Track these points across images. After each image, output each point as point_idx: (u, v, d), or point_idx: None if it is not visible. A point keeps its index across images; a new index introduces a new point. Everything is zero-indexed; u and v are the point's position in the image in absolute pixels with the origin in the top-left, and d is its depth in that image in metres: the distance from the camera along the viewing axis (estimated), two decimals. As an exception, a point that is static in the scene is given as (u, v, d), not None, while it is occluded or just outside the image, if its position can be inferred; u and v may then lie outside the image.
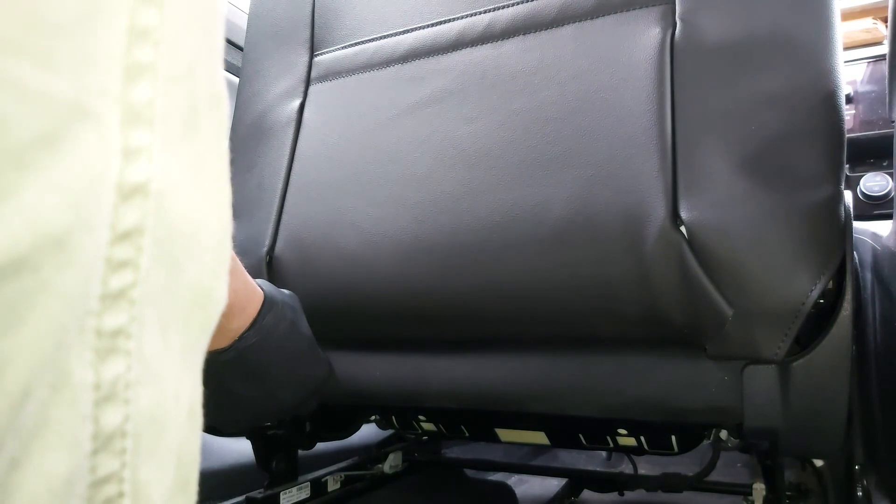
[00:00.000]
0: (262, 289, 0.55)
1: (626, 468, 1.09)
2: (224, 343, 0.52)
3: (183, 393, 0.24)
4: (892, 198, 0.92)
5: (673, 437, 0.73)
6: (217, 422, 0.62)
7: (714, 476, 0.90)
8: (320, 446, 0.88)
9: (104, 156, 0.18)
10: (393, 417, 0.89)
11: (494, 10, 0.63)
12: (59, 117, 0.17)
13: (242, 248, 0.69)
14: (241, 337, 0.52)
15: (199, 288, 0.23)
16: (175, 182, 0.21)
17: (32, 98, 0.17)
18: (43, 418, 0.18)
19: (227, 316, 0.49)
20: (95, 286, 0.19)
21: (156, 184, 0.20)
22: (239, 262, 0.50)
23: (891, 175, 0.94)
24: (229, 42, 1.08)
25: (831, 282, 0.51)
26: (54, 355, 0.18)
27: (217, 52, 0.24)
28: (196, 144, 0.22)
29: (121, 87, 0.19)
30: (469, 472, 1.21)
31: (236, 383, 0.55)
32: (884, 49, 1.00)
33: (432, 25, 0.66)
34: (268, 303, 0.54)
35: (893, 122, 0.72)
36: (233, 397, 0.56)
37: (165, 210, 0.20)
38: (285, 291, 0.61)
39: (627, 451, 0.83)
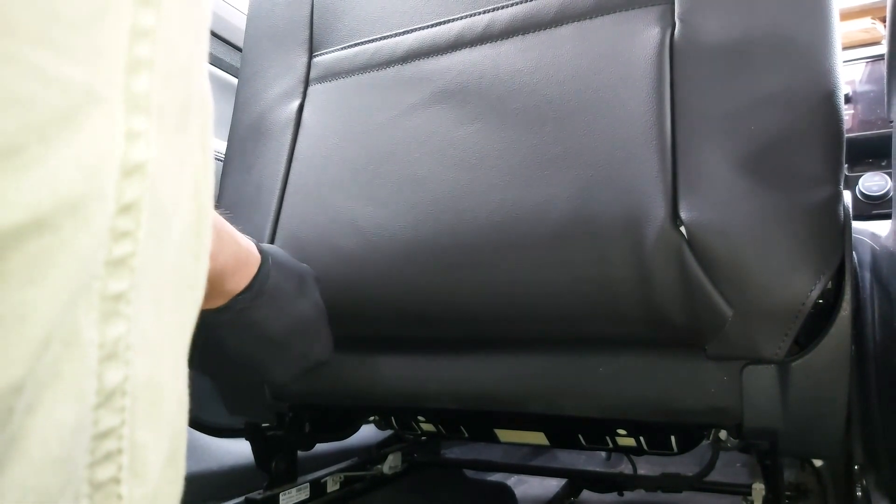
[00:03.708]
0: (263, 252, 0.55)
1: (626, 468, 1.09)
2: (219, 302, 0.53)
3: (179, 369, 0.26)
4: (891, 198, 0.92)
5: (672, 438, 0.73)
6: (221, 385, 0.63)
7: (713, 476, 0.90)
8: (320, 447, 0.88)
9: (111, 135, 0.21)
10: (392, 418, 0.89)
11: (493, 10, 0.63)
12: (75, 99, 0.20)
13: None
14: (236, 297, 0.53)
15: (181, 268, 0.26)
16: (165, 167, 0.23)
17: (54, 82, 0.19)
18: (56, 369, 0.20)
19: (219, 276, 0.51)
20: (102, 252, 0.21)
21: (151, 166, 0.22)
22: (232, 228, 0.51)
23: (889, 175, 0.94)
24: (229, 43, 1.08)
25: (830, 282, 0.51)
26: (68, 312, 0.20)
27: (205, 56, 0.27)
28: (186, 137, 0.25)
29: (124, 78, 0.21)
30: (468, 473, 1.21)
31: (230, 345, 0.55)
32: (882, 49, 1.01)
33: (431, 26, 0.66)
34: (266, 266, 0.54)
35: (892, 121, 0.72)
36: (227, 360, 0.57)
37: (156, 191, 0.23)
38: (302, 264, 0.61)
39: (627, 451, 0.83)
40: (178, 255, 0.25)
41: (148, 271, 0.23)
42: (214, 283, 0.51)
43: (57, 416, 0.20)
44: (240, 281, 0.53)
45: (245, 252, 0.54)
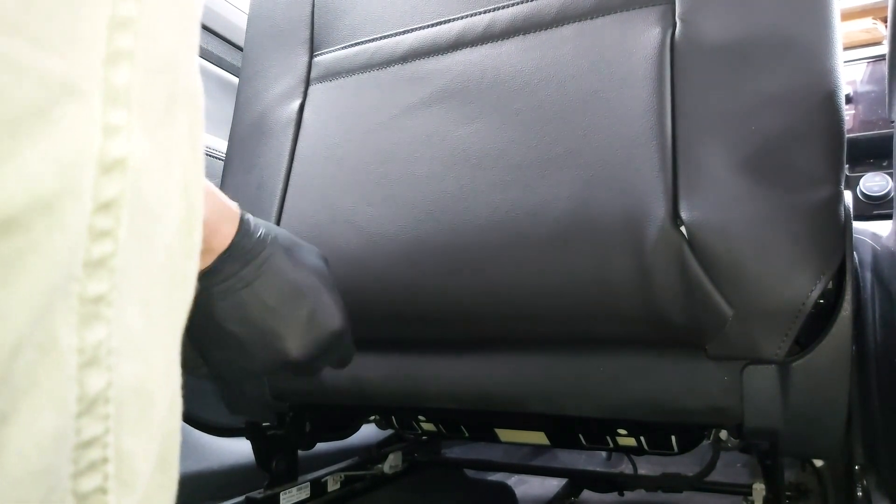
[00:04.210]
0: (247, 216, 0.52)
1: (626, 468, 1.09)
2: (206, 261, 0.49)
3: (170, 371, 0.25)
4: (892, 198, 0.92)
5: (673, 438, 0.73)
6: (219, 371, 0.58)
7: (714, 476, 0.90)
8: (320, 446, 0.88)
9: (88, 130, 0.20)
10: (393, 417, 0.89)
11: (494, 10, 0.63)
12: (50, 92, 0.19)
13: None
14: (221, 258, 0.49)
15: (171, 267, 0.24)
16: (149, 163, 0.22)
17: (27, 73, 0.18)
18: (32, 377, 0.19)
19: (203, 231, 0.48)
20: (79, 253, 0.20)
21: (133, 161, 0.21)
22: (212, 186, 0.48)
23: (890, 175, 0.94)
24: (229, 42, 1.08)
25: (831, 282, 0.51)
26: (42, 316, 0.19)
27: (194, 50, 0.26)
28: (171, 132, 0.24)
29: (103, 70, 0.20)
30: (469, 472, 1.21)
31: (230, 325, 0.51)
32: (883, 49, 1.01)
33: (432, 26, 0.66)
34: (246, 219, 0.51)
35: (893, 122, 0.72)
36: (230, 345, 0.53)
37: (139, 188, 0.22)
38: (303, 244, 0.58)
39: (627, 451, 0.83)
40: (167, 254, 0.24)
41: (132, 271, 0.22)
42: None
43: (35, 426, 0.19)
44: (224, 237, 0.49)
45: (227, 207, 0.50)
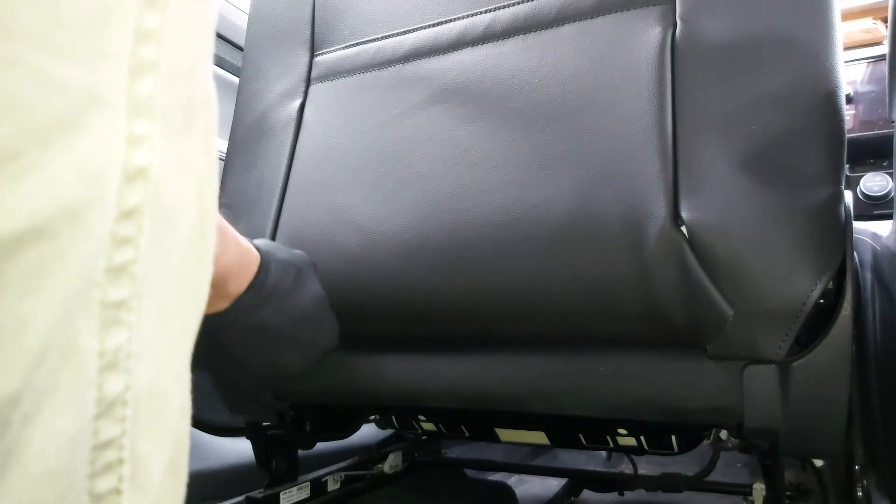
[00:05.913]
0: (260, 250, 0.55)
1: (626, 468, 1.09)
2: (223, 305, 0.52)
3: (182, 375, 0.25)
4: (892, 198, 0.92)
5: (673, 437, 0.73)
6: (222, 385, 0.62)
7: (714, 476, 0.90)
8: (320, 446, 0.88)
9: (113, 141, 0.21)
10: (393, 417, 0.89)
11: (495, 10, 0.63)
12: (77, 104, 0.19)
13: None
14: (240, 298, 0.53)
15: (185, 273, 0.25)
16: (168, 171, 0.23)
17: (55, 86, 0.19)
18: (54, 380, 0.20)
19: (223, 278, 0.50)
20: (102, 259, 0.21)
21: (154, 170, 0.22)
22: (231, 228, 0.51)
23: (891, 175, 0.94)
24: (230, 42, 1.08)
25: (831, 282, 0.51)
26: (66, 321, 0.20)
27: (210, 57, 0.27)
28: (189, 139, 0.24)
29: (127, 81, 0.21)
30: (469, 472, 1.21)
31: (239, 346, 0.55)
32: (884, 49, 1.01)
33: (433, 25, 0.66)
34: (266, 264, 0.54)
35: (893, 122, 0.72)
36: (236, 361, 0.57)
37: (158, 196, 0.22)
38: (296, 252, 0.61)
39: (627, 451, 0.83)
40: (181, 260, 0.25)
41: (150, 277, 0.22)
42: (219, 285, 0.50)
43: (55, 427, 0.20)
44: (242, 282, 0.53)
45: (246, 252, 0.53)
